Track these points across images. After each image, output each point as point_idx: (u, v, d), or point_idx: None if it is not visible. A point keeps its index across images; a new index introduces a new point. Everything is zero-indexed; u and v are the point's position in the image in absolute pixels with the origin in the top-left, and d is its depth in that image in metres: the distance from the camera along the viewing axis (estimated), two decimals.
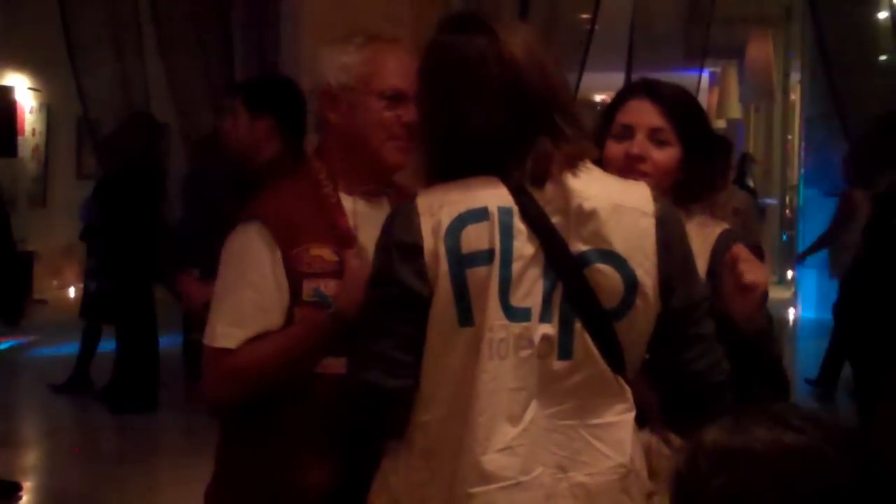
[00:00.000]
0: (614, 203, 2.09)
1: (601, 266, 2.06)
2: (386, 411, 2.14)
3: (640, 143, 2.54)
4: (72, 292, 13.22)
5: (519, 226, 2.06)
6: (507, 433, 2.05)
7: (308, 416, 2.47)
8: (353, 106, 2.57)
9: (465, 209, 2.07)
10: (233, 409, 2.60)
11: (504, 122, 2.10)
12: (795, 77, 14.31)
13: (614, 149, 2.55)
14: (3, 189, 7.02)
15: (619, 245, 2.07)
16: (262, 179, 4.22)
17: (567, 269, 2.06)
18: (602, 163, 2.36)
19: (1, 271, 6.67)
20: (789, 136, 15.82)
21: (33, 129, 13.34)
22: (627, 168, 2.50)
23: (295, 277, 2.50)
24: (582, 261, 2.06)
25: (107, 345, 8.64)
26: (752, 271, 2.39)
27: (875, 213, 5.95)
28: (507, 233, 2.05)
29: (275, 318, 2.50)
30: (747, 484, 1.49)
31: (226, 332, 2.50)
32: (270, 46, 6.09)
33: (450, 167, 2.16)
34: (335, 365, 2.41)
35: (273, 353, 2.49)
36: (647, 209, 2.12)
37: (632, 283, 2.07)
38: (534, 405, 2.07)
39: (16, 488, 6.48)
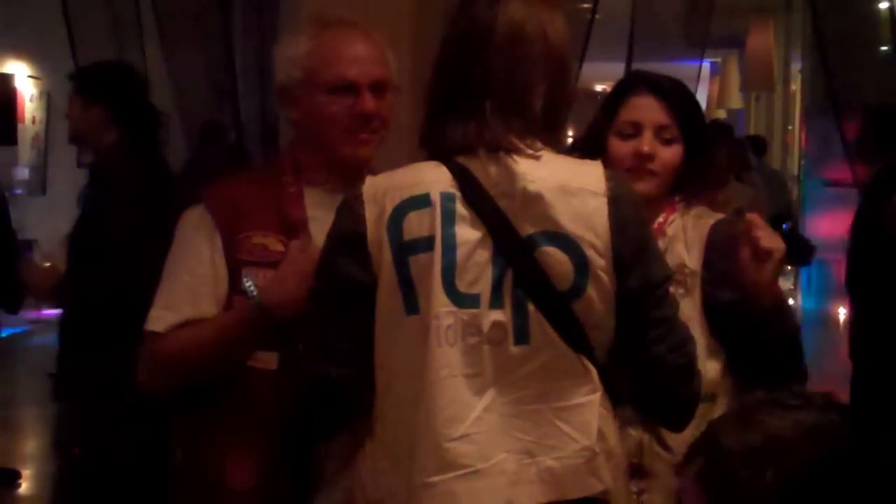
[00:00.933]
0: (560, 184, 2.07)
1: (549, 248, 2.04)
2: (333, 400, 2.15)
3: (649, 142, 2.52)
4: None
5: (462, 211, 2.05)
6: (462, 421, 2.04)
7: (235, 411, 2.42)
8: (304, 101, 2.48)
9: (409, 196, 2.07)
10: (166, 397, 2.55)
11: (440, 96, 2.13)
12: (796, 67, 14.31)
13: (621, 147, 2.53)
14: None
15: (568, 226, 2.04)
16: (104, 166, 4.23)
17: (515, 252, 2.05)
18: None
19: (1, 259, 6.65)
20: (790, 126, 15.81)
21: (33, 117, 13.31)
22: (636, 167, 2.49)
23: (235, 265, 2.43)
24: (531, 243, 2.04)
25: None
26: (767, 238, 2.38)
27: (861, 204, 5.96)
28: (449, 219, 2.04)
29: (208, 306, 2.44)
30: (792, 471, 1.52)
31: (157, 315, 2.45)
32: (270, 36, 6.09)
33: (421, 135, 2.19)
34: (266, 359, 2.38)
35: (197, 340, 2.42)
36: (597, 189, 2.09)
37: (582, 265, 2.05)
38: (491, 392, 2.05)
39: (15, 476, 6.49)
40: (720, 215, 2.66)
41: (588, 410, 2.10)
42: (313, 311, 2.18)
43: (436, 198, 2.05)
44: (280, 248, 2.43)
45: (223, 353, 2.42)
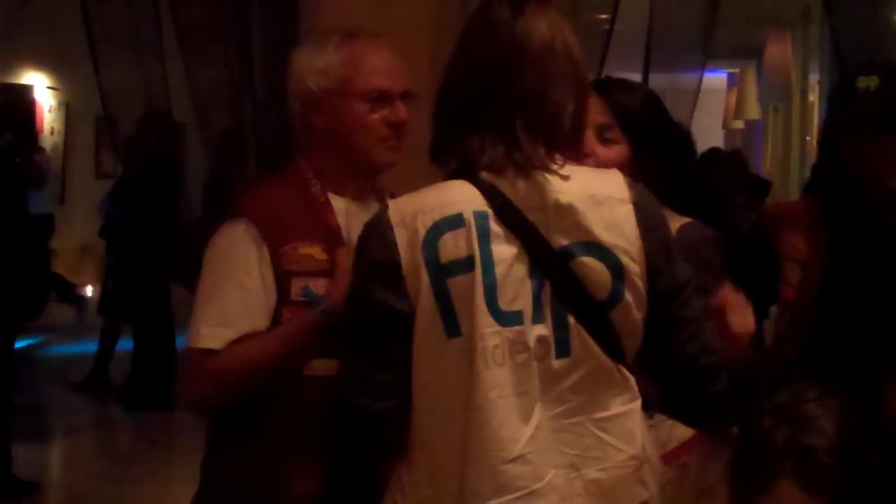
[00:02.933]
0: (589, 193, 2.07)
1: (586, 259, 2.04)
2: (376, 434, 2.11)
3: (587, 140, 2.52)
4: (89, 291, 13.27)
5: (496, 229, 2.02)
6: (517, 441, 2.02)
7: (295, 421, 2.41)
8: (337, 110, 2.50)
9: (440, 217, 2.03)
10: (216, 412, 2.53)
11: (461, 113, 2.10)
12: (814, 78, 14.28)
13: None
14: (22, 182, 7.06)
15: (602, 235, 2.04)
16: None
17: (552, 265, 2.04)
18: None
19: (21, 265, 6.69)
20: (808, 137, 15.77)
21: (52, 128, 13.38)
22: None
23: (283, 276, 2.43)
24: (566, 255, 2.04)
25: (126, 343, 8.69)
26: (740, 319, 2.35)
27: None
28: (484, 237, 2.01)
29: (261, 319, 2.43)
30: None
31: (211, 333, 2.43)
32: (290, 48, 6.11)
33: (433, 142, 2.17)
34: (324, 366, 2.36)
35: (261, 353, 2.42)
36: (622, 196, 2.09)
37: (618, 272, 2.05)
38: (538, 408, 2.05)
39: (34, 487, 6.51)
40: (686, 219, 2.66)
41: (630, 419, 2.11)
42: (348, 342, 2.14)
43: (469, 217, 2.02)
44: (325, 256, 2.45)
45: (287, 364, 2.41)
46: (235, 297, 2.43)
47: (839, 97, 3.14)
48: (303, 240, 2.46)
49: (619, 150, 2.55)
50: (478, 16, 2.15)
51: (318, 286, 2.42)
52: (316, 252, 2.45)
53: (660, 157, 2.63)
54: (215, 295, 2.46)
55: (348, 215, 2.50)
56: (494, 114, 2.07)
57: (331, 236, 2.47)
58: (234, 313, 2.43)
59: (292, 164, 2.62)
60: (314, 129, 2.54)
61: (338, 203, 2.53)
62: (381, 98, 2.50)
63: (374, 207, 2.52)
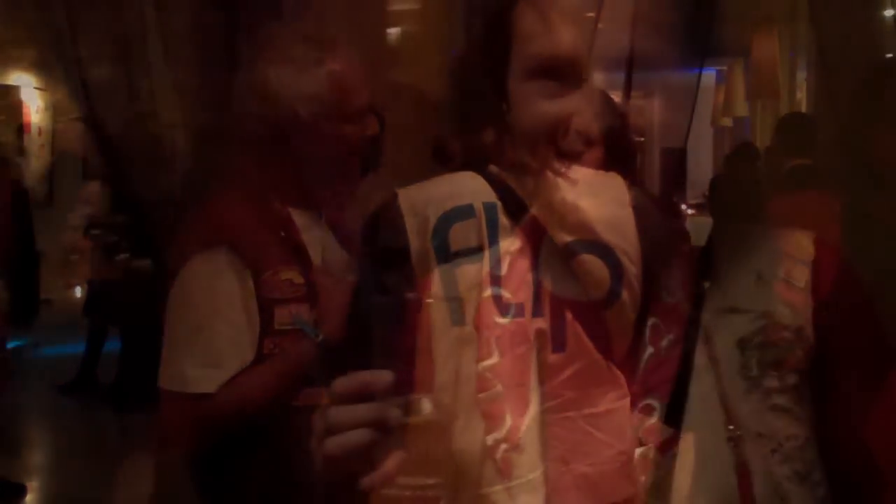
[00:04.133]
0: (594, 193, 2.09)
1: (587, 256, 2.05)
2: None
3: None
4: (77, 292, 13.25)
5: (504, 221, 2.04)
6: (516, 431, 2.04)
7: (285, 456, 2.22)
8: (324, 132, 2.37)
9: (451, 207, 2.04)
10: (194, 455, 2.36)
11: (470, 106, 2.11)
12: (801, 75, 14.30)
13: None
14: (26, 190, 7.04)
15: (604, 234, 2.07)
16: None
17: (554, 261, 2.06)
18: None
19: (17, 272, 6.68)
20: None
21: (39, 129, 13.37)
22: None
23: (265, 305, 2.29)
24: (568, 252, 2.05)
25: (113, 344, 8.67)
26: None
27: None
28: (493, 229, 2.03)
29: (250, 354, 2.29)
30: None
31: (201, 375, 2.29)
32: None
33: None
34: (316, 395, 2.15)
35: (257, 392, 2.29)
36: (624, 198, 2.12)
37: (618, 272, 2.07)
38: (534, 401, 2.06)
39: (20, 490, 6.50)
40: None
41: (619, 415, 2.12)
42: (355, 333, 2.12)
43: (479, 208, 2.04)
44: (301, 280, 2.34)
45: (279, 399, 2.28)
46: (225, 334, 2.29)
47: (880, 82, 2.97)
48: (280, 264, 2.33)
49: (593, 153, 2.56)
50: (492, 16, 2.15)
51: (303, 313, 2.31)
52: (294, 276, 2.33)
53: (625, 158, 2.64)
54: (202, 332, 2.31)
55: (307, 229, 2.42)
56: (504, 114, 2.08)
57: (301, 257, 2.37)
58: (224, 352, 2.29)
59: (240, 178, 2.46)
60: (292, 151, 2.39)
61: (297, 218, 2.42)
62: (360, 115, 2.45)
63: (320, 219, 2.50)
